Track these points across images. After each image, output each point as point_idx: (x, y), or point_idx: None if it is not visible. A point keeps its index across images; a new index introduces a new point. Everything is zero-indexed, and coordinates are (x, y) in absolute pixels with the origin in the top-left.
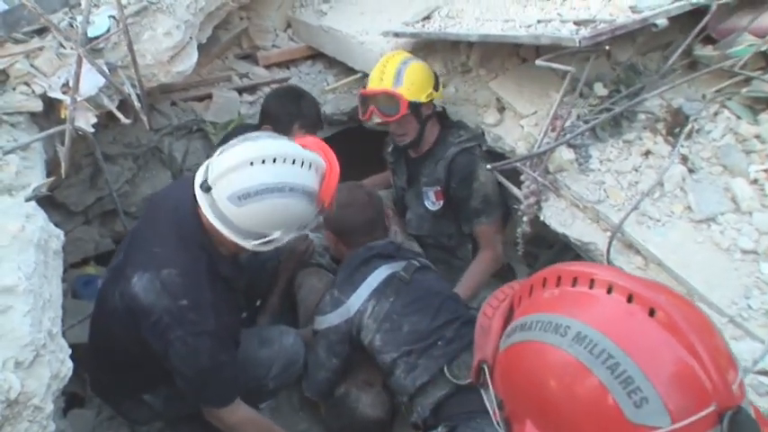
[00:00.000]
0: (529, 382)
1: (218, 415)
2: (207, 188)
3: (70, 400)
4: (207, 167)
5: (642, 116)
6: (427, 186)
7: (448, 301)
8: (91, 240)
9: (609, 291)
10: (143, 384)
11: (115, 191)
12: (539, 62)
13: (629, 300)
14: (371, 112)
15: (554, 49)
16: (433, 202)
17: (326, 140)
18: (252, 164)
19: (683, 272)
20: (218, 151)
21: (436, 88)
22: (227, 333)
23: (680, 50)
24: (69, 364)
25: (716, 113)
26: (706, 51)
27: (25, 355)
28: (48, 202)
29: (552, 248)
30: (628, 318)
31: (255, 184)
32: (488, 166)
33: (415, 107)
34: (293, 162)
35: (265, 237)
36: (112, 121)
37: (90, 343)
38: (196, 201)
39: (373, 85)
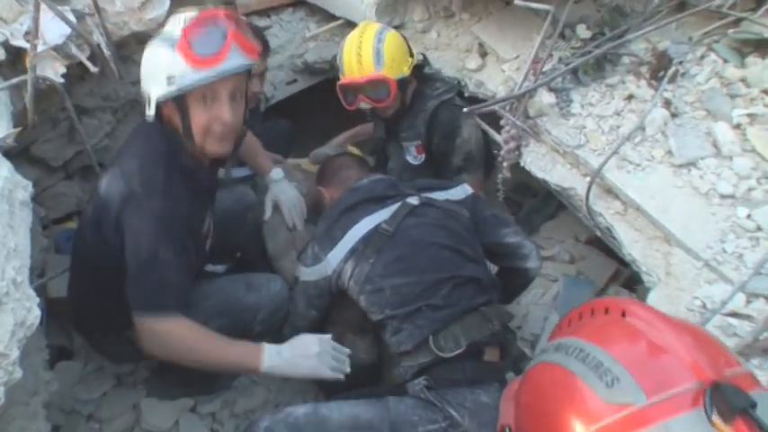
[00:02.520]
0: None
1: (141, 325)
2: None
3: (58, 353)
4: None
5: (626, 59)
6: (407, 141)
7: (441, 253)
8: (73, 195)
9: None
10: (124, 318)
11: (93, 145)
12: (517, 2)
13: (607, 311)
14: (360, 101)
15: None
16: (414, 157)
17: (308, 90)
18: None
19: (661, 217)
20: None
21: (412, 54)
22: (176, 224)
23: None
24: (36, 312)
25: (702, 57)
26: None
27: None
28: (26, 157)
29: (536, 197)
30: (604, 322)
31: None
32: (465, 109)
33: (401, 82)
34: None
35: (146, 95)
36: (88, 74)
37: (71, 279)
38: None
39: (353, 73)
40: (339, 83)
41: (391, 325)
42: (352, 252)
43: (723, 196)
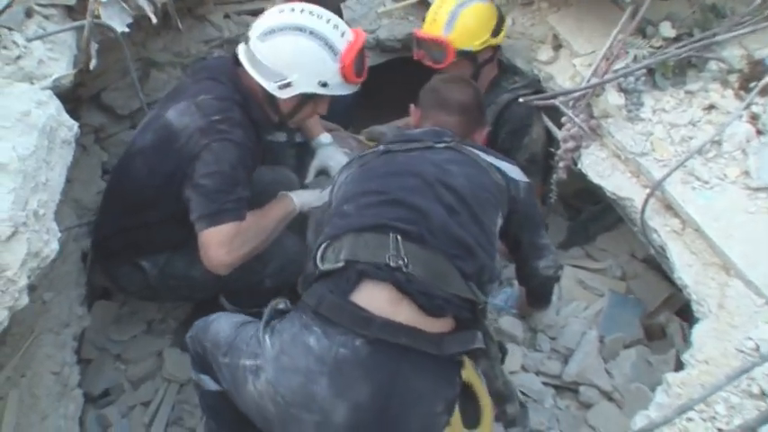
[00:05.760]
0: None
1: (214, 236)
2: (246, 39)
3: (102, 293)
4: None
5: (714, 65)
6: None
7: (410, 180)
8: None
9: None
10: (145, 244)
11: (156, 99)
12: None
13: None
14: (421, 56)
15: None
16: None
17: (379, 67)
18: (282, 11)
19: (723, 242)
20: None
21: (495, 33)
22: (249, 154)
23: None
24: (54, 246)
25: None
26: None
27: (2, 230)
28: (96, 103)
29: (598, 205)
30: None
31: (280, 22)
32: (521, 99)
33: (465, 54)
34: (320, 16)
35: (284, 78)
36: (163, 29)
37: (102, 204)
38: (234, 62)
39: (425, 28)
40: (413, 32)
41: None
42: (348, 164)
43: None
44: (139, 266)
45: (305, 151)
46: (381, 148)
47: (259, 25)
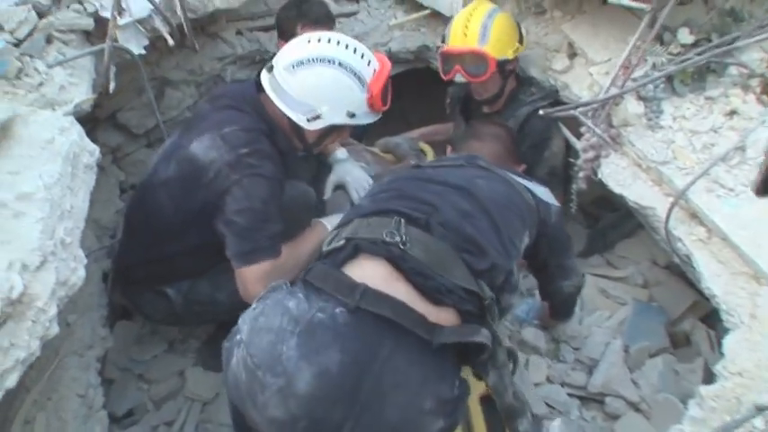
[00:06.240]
0: None
1: (252, 273)
2: (270, 68)
3: (122, 312)
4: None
5: (734, 70)
6: None
7: (434, 187)
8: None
9: None
10: (168, 275)
11: (174, 117)
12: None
13: None
14: (456, 72)
15: None
16: None
17: (391, 79)
18: (309, 41)
19: (752, 251)
20: None
21: (521, 41)
22: (279, 186)
23: None
24: (81, 273)
25: None
26: None
27: (32, 259)
28: (112, 122)
29: (616, 212)
30: None
31: (309, 53)
32: (541, 112)
33: (502, 65)
34: (347, 46)
35: (313, 110)
36: (176, 48)
37: (124, 234)
38: (258, 90)
39: (456, 42)
40: (441, 50)
41: None
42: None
43: None
44: (163, 293)
45: (320, 163)
46: (412, 163)
47: (286, 56)
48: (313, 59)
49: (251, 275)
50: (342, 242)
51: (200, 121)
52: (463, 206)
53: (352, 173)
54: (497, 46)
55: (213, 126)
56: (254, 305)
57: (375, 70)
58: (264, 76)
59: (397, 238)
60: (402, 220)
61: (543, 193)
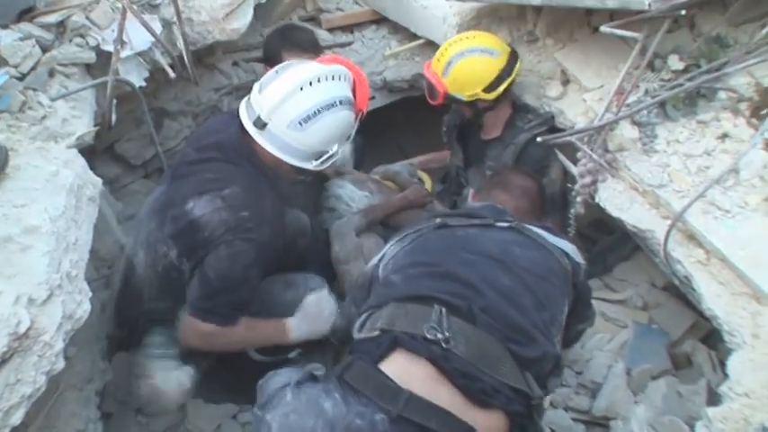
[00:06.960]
0: None
1: (196, 327)
2: (262, 125)
3: (119, 344)
4: (248, 105)
5: (723, 95)
6: (493, 170)
7: (473, 258)
8: (148, 194)
9: None
10: (168, 322)
11: (172, 147)
12: (603, 29)
13: None
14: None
15: (625, 15)
16: None
17: (386, 108)
18: (302, 89)
19: (751, 271)
20: (255, 88)
21: (490, 89)
22: (271, 254)
23: None
24: (86, 306)
25: None
26: None
27: (39, 293)
28: (110, 154)
29: (612, 235)
30: None
31: (311, 105)
32: (539, 139)
33: (455, 100)
34: (332, 78)
35: (324, 153)
36: (174, 79)
37: (120, 289)
38: (242, 133)
39: (432, 63)
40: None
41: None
42: (401, 238)
43: None
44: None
45: (311, 186)
46: (438, 221)
47: (284, 114)
48: (318, 110)
49: (195, 329)
50: (376, 333)
51: (190, 174)
52: (504, 283)
53: (345, 186)
54: (453, 84)
55: (208, 187)
56: (288, 393)
57: (350, 83)
58: (258, 134)
59: (440, 335)
60: (443, 310)
61: (573, 251)
